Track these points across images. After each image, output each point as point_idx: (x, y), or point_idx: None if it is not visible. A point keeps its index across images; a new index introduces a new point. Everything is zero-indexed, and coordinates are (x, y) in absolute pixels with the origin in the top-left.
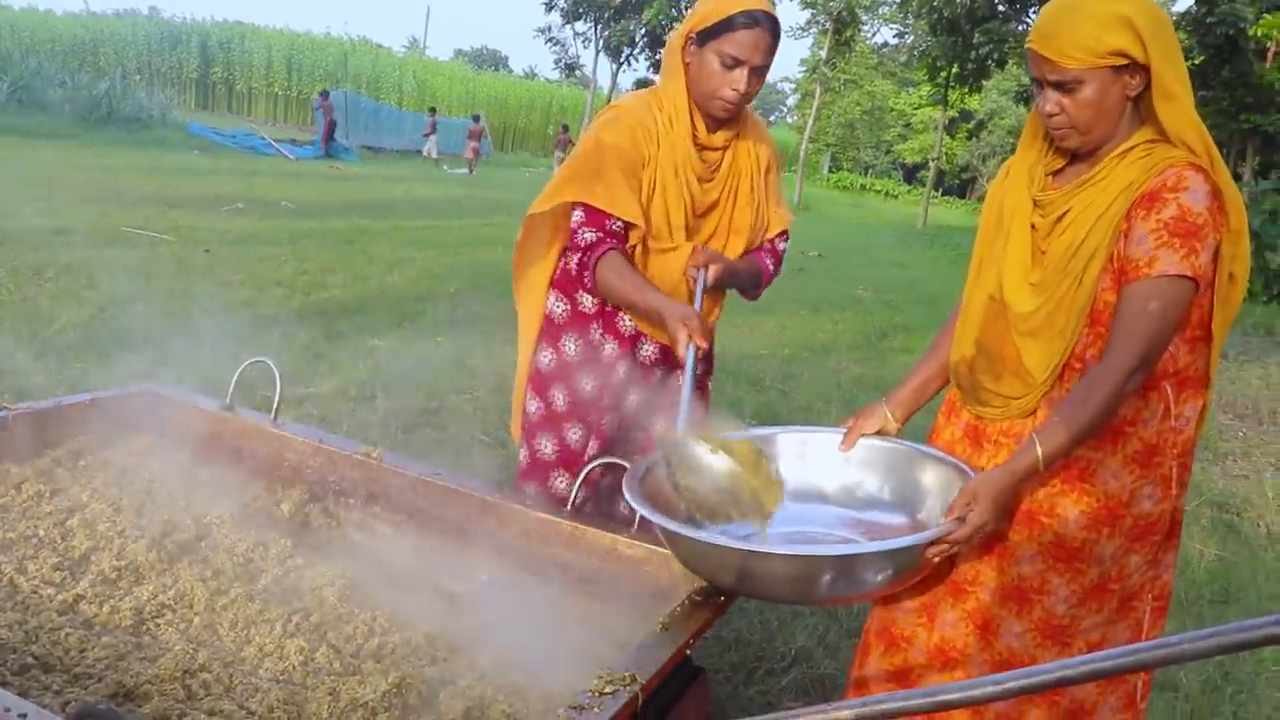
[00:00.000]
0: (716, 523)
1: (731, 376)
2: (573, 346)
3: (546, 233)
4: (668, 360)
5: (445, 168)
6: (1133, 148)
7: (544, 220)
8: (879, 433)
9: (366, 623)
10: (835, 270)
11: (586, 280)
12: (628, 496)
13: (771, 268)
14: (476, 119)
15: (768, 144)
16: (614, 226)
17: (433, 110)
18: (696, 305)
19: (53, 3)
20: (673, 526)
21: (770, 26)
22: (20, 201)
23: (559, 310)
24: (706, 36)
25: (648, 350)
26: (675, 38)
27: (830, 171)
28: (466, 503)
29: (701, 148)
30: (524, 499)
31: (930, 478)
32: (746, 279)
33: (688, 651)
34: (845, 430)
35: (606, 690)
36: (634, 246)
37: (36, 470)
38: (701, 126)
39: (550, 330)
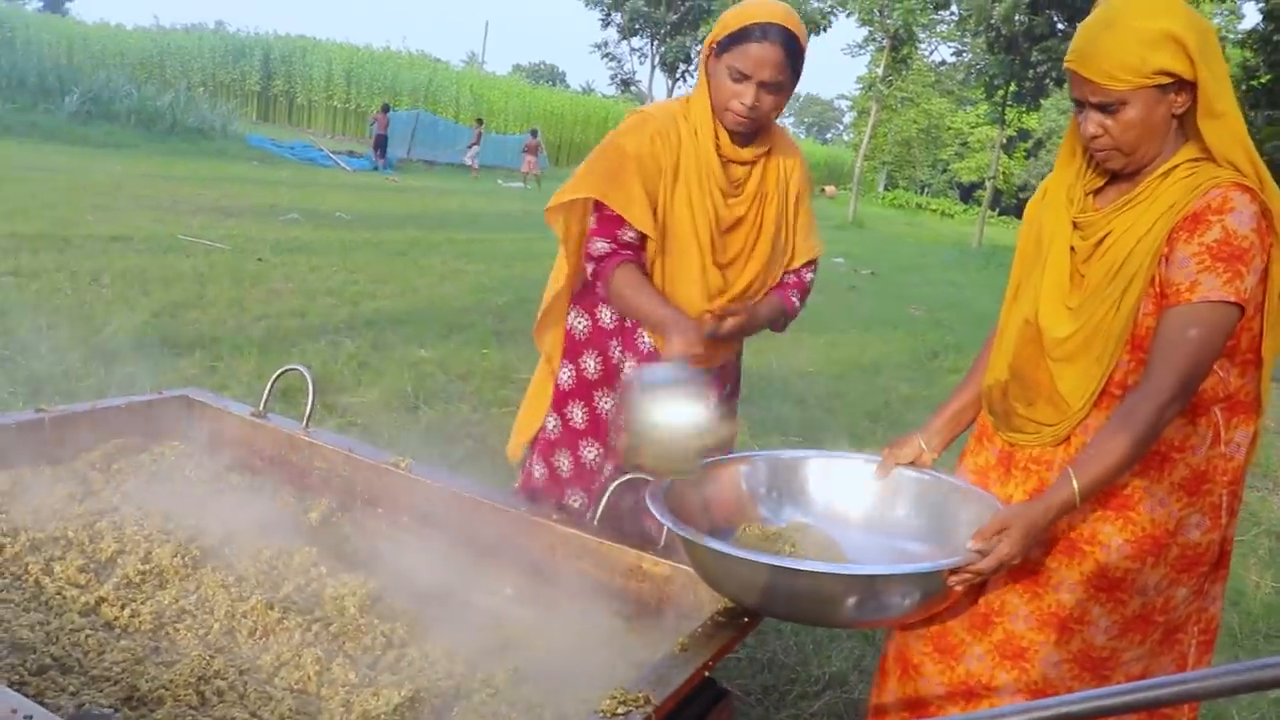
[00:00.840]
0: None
1: (778, 394)
2: (592, 364)
3: (572, 244)
4: None
5: (500, 182)
6: (1175, 167)
7: (566, 226)
8: (913, 463)
9: (385, 634)
10: (888, 289)
11: (599, 290)
12: (651, 508)
13: (797, 302)
14: (533, 134)
15: (800, 168)
16: (626, 237)
17: (479, 121)
18: None
19: (124, 17)
20: (695, 537)
21: (783, 41)
22: (82, 209)
23: (580, 326)
24: (723, 48)
25: None
26: (703, 47)
27: (886, 189)
28: (493, 516)
29: (727, 161)
30: (550, 513)
31: (960, 510)
32: (766, 325)
33: (707, 673)
34: (879, 459)
35: (619, 711)
36: (652, 262)
37: (70, 472)
38: (725, 139)
39: (571, 347)
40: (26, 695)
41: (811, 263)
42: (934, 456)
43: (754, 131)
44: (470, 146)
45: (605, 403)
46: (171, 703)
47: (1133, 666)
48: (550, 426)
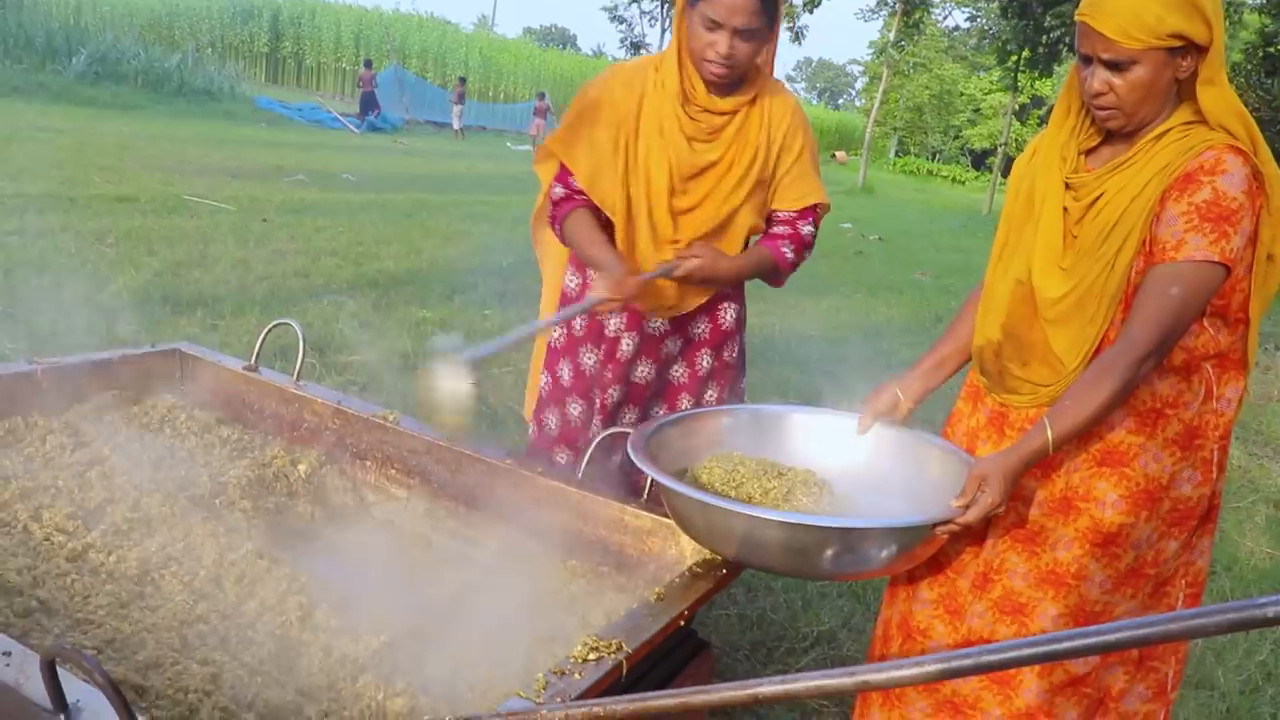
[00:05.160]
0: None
1: (779, 357)
2: (579, 321)
3: None
4: (680, 332)
5: (509, 145)
6: (1169, 130)
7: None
8: (890, 412)
9: (369, 583)
10: (895, 254)
11: (557, 233)
12: (632, 455)
13: (788, 253)
14: (541, 96)
15: (791, 115)
16: (577, 183)
17: (462, 80)
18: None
19: None
20: (676, 486)
21: None
22: (89, 170)
23: (572, 285)
24: None
25: (656, 324)
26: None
27: (897, 156)
28: (478, 468)
29: (702, 109)
30: (535, 466)
31: (936, 465)
32: (744, 276)
33: (683, 623)
34: (858, 414)
35: (590, 657)
36: (615, 209)
37: (63, 423)
38: (701, 88)
39: (565, 305)
40: (11, 636)
41: (809, 213)
42: (910, 406)
43: (735, 81)
44: (453, 103)
45: (589, 359)
46: (153, 645)
47: (1125, 620)
48: (541, 385)
